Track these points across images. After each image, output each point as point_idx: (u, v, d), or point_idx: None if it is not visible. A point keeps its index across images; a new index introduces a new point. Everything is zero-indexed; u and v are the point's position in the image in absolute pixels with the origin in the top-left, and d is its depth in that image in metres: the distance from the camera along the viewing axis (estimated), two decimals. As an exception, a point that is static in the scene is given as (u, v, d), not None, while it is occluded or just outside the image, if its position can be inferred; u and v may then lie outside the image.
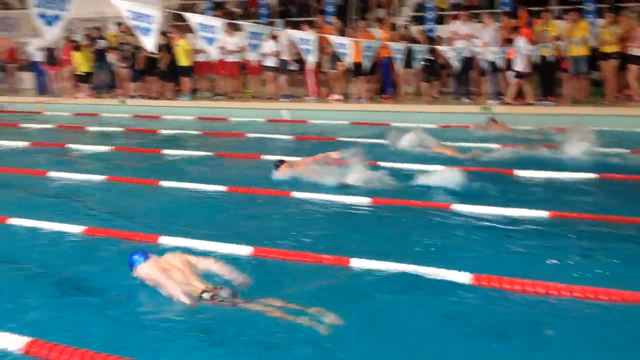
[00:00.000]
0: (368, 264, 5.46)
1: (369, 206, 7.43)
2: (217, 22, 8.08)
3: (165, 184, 8.57)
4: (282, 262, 5.68)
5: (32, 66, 19.49)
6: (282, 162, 8.75)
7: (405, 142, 10.39)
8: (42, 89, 19.03)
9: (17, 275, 5.39)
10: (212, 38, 7.63)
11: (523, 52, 13.52)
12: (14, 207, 7.38)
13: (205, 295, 4.65)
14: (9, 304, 4.87)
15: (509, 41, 13.93)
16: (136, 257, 4.93)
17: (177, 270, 4.81)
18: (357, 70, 14.86)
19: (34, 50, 18.65)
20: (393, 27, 16.19)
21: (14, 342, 4.16)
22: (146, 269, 4.83)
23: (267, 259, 5.73)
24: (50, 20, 5.90)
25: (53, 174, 9.26)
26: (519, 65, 13.80)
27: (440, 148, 10.22)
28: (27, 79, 20.57)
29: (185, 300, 4.61)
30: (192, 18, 8.31)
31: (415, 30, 16.00)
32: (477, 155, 9.78)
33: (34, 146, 11.98)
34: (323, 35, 13.62)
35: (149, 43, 7.09)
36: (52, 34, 6.16)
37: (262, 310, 4.50)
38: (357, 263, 5.51)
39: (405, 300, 4.91)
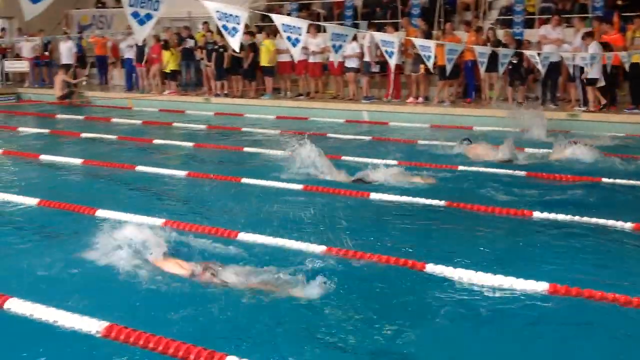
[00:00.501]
0: (445, 270, 5.37)
1: (445, 209, 7.34)
2: (302, 24, 8.13)
3: (246, 181, 8.70)
4: (355, 262, 5.66)
5: (123, 63, 20.19)
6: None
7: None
8: (131, 86, 19.70)
9: (100, 266, 5.57)
10: (297, 39, 7.67)
11: (597, 58, 13.04)
12: (102, 200, 7.66)
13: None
14: (93, 291, 5.05)
15: (605, 46, 13.40)
16: None
17: None
18: (440, 73, 14.68)
19: (126, 47, 19.32)
20: (479, 30, 15.88)
21: (94, 325, 4.31)
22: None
23: (340, 258, 5.73)
24: (142, 20, 6.10)
25: (140, 168, 9.56)
26: (593, 72, 13.36)
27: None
28: (117, 75, 21.34)
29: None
30: (278, 19, 8.40)
31: (501, 33, 15.65)
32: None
33: (123, 140, 12.41)
34: (407, 38, 13.52)
35: (235, 43, 7.22)
36: (143, 33, 6.37)
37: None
38: (433, 268, 5.43)
39: (479, 310, 4.80)
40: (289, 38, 7.71)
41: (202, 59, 17.96)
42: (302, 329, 4.44)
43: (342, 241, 6.15)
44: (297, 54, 8.12)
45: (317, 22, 14.65)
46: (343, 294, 4.94)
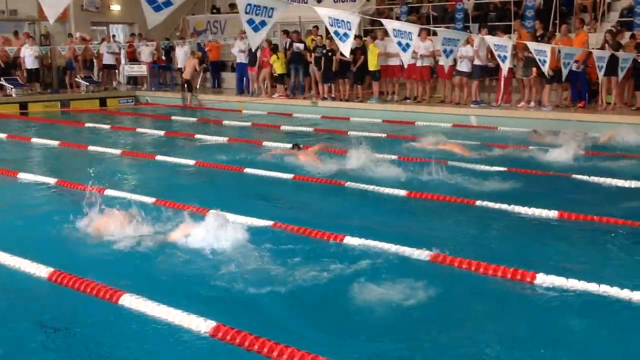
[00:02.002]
0: (555, 281, 5.17)
1: (556, 220, 7.07)
2: (413, 29, 8.06)
3: (351, 185, 8.74)
4: (459, 271, 5.55)
5: (235, 67, 20.78)
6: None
7: None
8: (242, 89, 20.24)
9: (210, 265, 5.74)
10: (407, 44, 7.63)
11: None
12: (212, 200, 7.90)
13: None
14: (201, 288, 5.22)
15: None
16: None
17: None
18: (554, 77, 14.14)
19: (238, 52, 19.87)
20: (597, 32, 15.20)
21: (203, 325, 4.44)
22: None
23: (443, 266, 5.64)
24: (257, 27, 6.27)
25: (248, 170, 9.80)
26: None
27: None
28: (228, 78, 21.99)
29: None
30: (389, 24, 8.39)
31: (622, 36, 14.90)
32: None
33: (233, 142, 12.76)
34: (521, 42, 13.12)
35: (346, 49, 7.28)
36: (258, 40, 6.54)
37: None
38: (543, 279, 5.24)
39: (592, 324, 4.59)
40: (399, 43, 7.68)
41: (310, 62, 18.20)
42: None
43: (446, 248, 6.06)
44: (407, 59, 8.07)
45: (427, 27, 14.47)
46: (446, 301, 4.87)
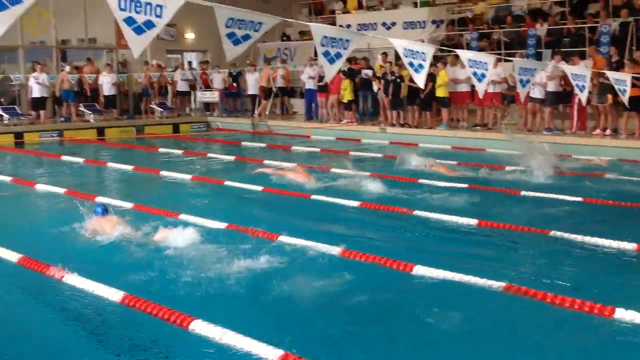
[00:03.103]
0: (636, 317, 4.95)
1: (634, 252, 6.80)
2: (489, 59, 7.93)
3: (419, 213, 8.64)
4: (536, 303, 5.38)
5: (304, 93, 20.99)
6: None
7: None
8: (310, 115, 20.41)
9: (279, 290, 5.75)
10: (482, 74, 7.52)
11: None
12: (281, 226, 7.96)
13: None
14: (270, 315, 5.23)
15: None
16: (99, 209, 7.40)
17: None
18: (632, 104, 13.65)
19: (307, 78, 20.09)
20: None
21: (272, 354, 4.44)
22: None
23: (521, 297, 5.48)
24: (332, 59, 6.34)
25: (315, 196, 9.83)
26: None
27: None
28: (297, 104, 22.24)
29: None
30: (464, 54, 8.33)
31: None
32: None
33: (302, 168, 12.81)
34: (597, 70, 12.75)
35: (421, 79, 7.25)
36: (333, 71, 6.61)
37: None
38: (623, 314, 5.02)
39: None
40: (474, 74, 7.58)
41: (379, 89, 18.22)
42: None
43: (519, 279, 5.90)
44: (482, 89, 7.94)
45: (504, 57, 14.26)
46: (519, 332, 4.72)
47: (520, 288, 5.62)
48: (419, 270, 6.18)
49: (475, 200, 9.55)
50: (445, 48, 11.70)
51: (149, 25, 5.04)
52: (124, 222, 7.51)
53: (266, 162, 13.11)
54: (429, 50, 7.04)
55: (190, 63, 23.92)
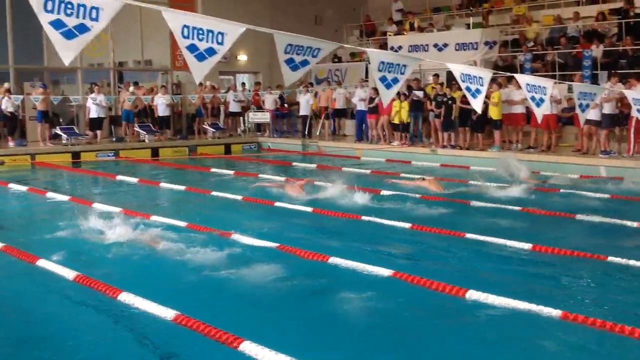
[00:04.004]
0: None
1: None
2: (547, 83, 7.80)
3: (471, 236, 8.52)
4: (592, 331, 5.24)
5: (354, 114, 21.04)
6: None
7: None
8: (361, 136, 20.43)
9: (326, 312, 5.75)
10: (541, 99, 7.40)
11: None
12: (332, 248, 7.96)
13: None
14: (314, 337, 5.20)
15: None
16: None
17: None
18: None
19: (358, 100, 20.15)
20: None
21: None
22: None
23: (575, 324, 5.34)
24: (389, 84, 6.36)
25: (365, 217, 9.80)
26: None
27: None
28: (347, 125, 22.29)
29: None
30: (521, 78, 8.23)
31: None
32: None
33: (351, 189, 12.82)
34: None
35: (478, 104, 7.18)
36: (390, 96, 6.63)
37: None
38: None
39: None
40: (532, 98, 7.46)
41: (431, 110, 18.13)
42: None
43: (578, 306, 5.76)
44: (540, 113, 7.79)
45: (562, 82, 14.01)
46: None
47: (577, 316, 5.48)
48: (472, 295, 6.09)
49: (531, 224, 9.37)
50: (501, 73, 11.62)
51: (211, 52, 5.15)
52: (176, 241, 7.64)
53: (318, 183, 13.13)
54: (486, 75, 6.97)
55: (243, 84, 24.27)
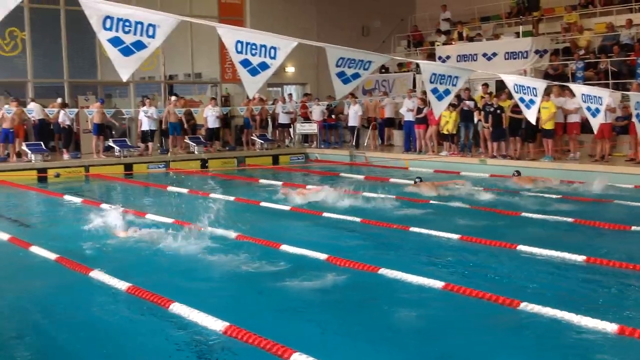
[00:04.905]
0: None
1: None
2: (603, 93, 7.60)
3: (523, 248, 8.39)
4: None
5: (402, 124, 20.96)
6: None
7: None
8: (408, 146, 20.33)
9: (376, 323, 5.72)
10: (597, 109, 7.22)
11: None
12: (382, 259, 7.94)
13: None
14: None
15: None
16: None
17: None
18: None
19: (406, 110, 20.07)
20: None
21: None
22: None
23: (634, 340, 5.21)
24: (441, 95, 6.34)
25: (413, 229, 9.74)
26: None
27: None
28: (395, 135, 22.23)
29: None
30: (577, 89, 8.08)
31: None
32: None
33: (399, 200, 12.78)
34: None
35: (532, 115, 7.07)
36: (441, 108, 6.60)
37: None
38: None
39: None
40: (588, 108, 7.31)
41: (480, 120, 17.95)
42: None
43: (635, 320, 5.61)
44: (597, 124, 7.60)
45: (617, 91, 13.69)
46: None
47: (634, 330, 5.34)
48: (525, 306, 5.99)
49: (583, 235, 9.18)
50: (555, 83, 11.48)
51: (264, 66, 5.22)
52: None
53: (364, 194, 13.12)
54: (540, 86, 6.86)
55: (290, 95, 24.48)
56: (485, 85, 18.53)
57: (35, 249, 8.76)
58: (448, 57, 22.14)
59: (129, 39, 4.71)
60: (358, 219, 10.64)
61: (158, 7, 19.41)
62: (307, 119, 22.83)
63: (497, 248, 8.59)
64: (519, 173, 14.98)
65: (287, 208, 12.01)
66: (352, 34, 25.18)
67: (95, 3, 4.70)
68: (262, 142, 21.74)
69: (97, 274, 7.40)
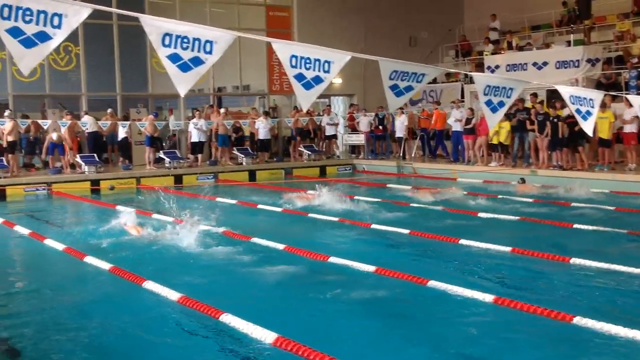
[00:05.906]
0: None
1: None
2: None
3: (576, 261, 8.23)
4: None
5: (450, 134, 20.80)
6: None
7: None
8: (457, 157, 20.16)
9: (425, 338, 5.68)
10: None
11: None
12: (430, 271, 7.88)
13: None
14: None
15: None
16: None
17: None
18: None
19: (454, 121, 19.92)
20: None
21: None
22: None
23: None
24: (495, 107, 6.29)
25: (463, 241, 9.65)
26: None
27: None
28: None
29: None
30: (635, 100, 7.94)
31: None
32: None
33: (447, 211, 12.67)
34: None
35: (588, 127, 6.95)
36: (495, 120, 6.55)
37: None
38: None
39: None
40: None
41: (532, 130, 17.68)
42: None
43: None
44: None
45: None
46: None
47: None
48: (579, 321, 5.88)
49: (635, 246, 8.96)
50: (612, 93, 11.29)
51: (317, 80, 5.27)
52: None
53: (413, 204, 13.06)
54: (597, 97, 6.73)
55: (329, 107, 24.51)
56: (534, 95, 18.25)
57: (89, 259, 8.96)
58: (497, 67, 21.91)
59: (187, 55, 4.82)
60: (407, 231, 10.59)
61: (208, 22, 19.78)
62: (354, 130, 22.85)
63: (550, 261, 8.44)
64: (523, 181, 15.19)
65: (335, 219, 12.02)
66: (399, 45, 25.13)
67: (155, 21, 4.83)
68: (309, 153, 21.84)
69: (149, 285, 7.53)
